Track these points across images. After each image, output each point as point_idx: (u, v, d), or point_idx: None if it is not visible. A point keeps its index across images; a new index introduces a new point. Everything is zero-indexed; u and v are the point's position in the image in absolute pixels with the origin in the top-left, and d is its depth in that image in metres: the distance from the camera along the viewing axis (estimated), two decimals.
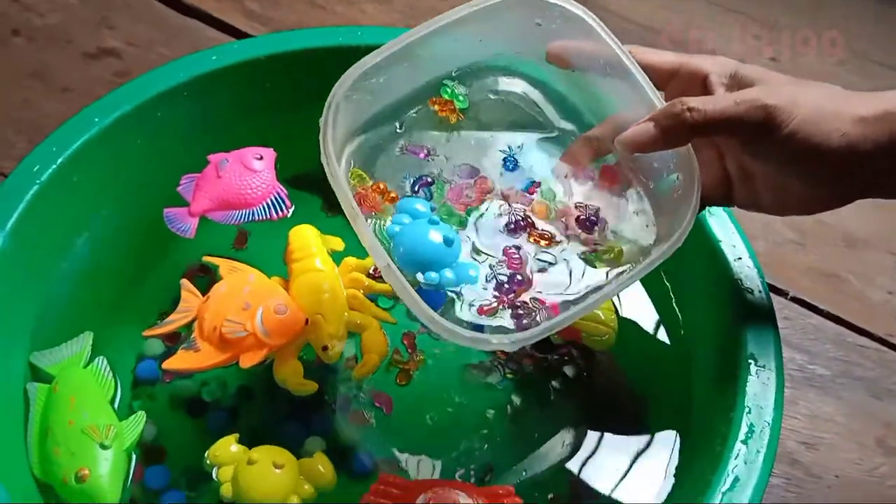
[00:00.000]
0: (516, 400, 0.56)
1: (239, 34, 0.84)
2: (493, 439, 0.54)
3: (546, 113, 0.51)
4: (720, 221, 0.53)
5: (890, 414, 0.63)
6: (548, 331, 0.42)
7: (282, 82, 0.61)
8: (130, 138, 0.56)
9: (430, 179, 0.49)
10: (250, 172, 0.55)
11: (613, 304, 0.57)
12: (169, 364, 0.48)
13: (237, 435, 0.48)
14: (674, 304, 0.57)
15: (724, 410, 0.46)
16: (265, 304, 0.48)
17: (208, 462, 0.47)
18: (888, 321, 0.69)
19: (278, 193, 0.54)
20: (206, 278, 0.61)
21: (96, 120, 0.54)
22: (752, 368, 0.47)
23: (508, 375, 0.56)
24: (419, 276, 0.43)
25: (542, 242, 0.47)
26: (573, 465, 0.53)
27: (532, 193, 0.49)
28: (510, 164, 0.49)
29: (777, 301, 0.68)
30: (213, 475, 0.47)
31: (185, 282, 0.52)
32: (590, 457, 0.54)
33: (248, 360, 0.47)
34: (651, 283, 0.58)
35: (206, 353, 0.47)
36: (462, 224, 0.48)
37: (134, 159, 0.57)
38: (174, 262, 0.60)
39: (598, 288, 0.45)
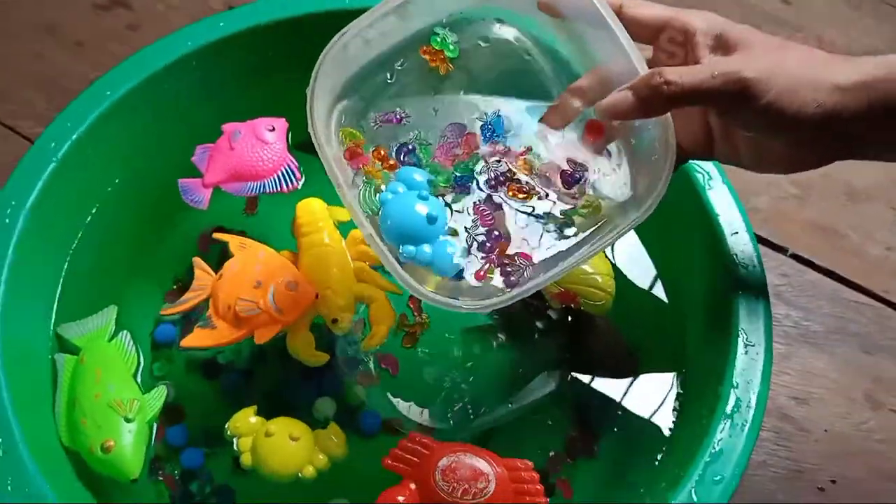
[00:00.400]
0: (517, 362, 0.59)
1: None
2: (495, 399, 0.57)
3: (538, 60, 0.51)
4: (720, 195, 0.54)
5: (880, 369, 0.65)
6: (515, 298, 0.44)
7: (289, 47, 0.61)
8: (141, 110, 0.57)
9: (411, 146, 0.50)
10: (262, 144, 0.56)
11: (612, 266, 0.59)
12: (187, 342, 0.50)
13: (255, 407, 0.51)
14: (671, 275, 0.58)
15: (713, 383, 0.48)
16: (276, 282, 0.50)
17: (228, 433, 0.50)
18: (885, 277, 0.70)
19: (289, 165, 0.56)
20: (219, 244, 0.63)
21: (108, 93, 0.55)
22: (742, 344, 0.49)
23: (502, 336, 0.59)
24: (399, 249, 0.45)
25: (521, 196, 0.48)
26: (570, 426, 0.57)
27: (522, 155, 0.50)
28: (488, 131, 0.50)
29: (775, 257, 0.71)
30: (234, 446, 0.50)
31: (197, 260, 0.54)
32: (585, 418, 0.57)
33: (262, 336, 0.50)
34: (652, 253, 0.60)
35: (221, 330, 0.50)
36: (449, 180, 0.49)
37: (146, 130, 0.59)
38: (189, 227, 0.62)
39: (576, 247, 0.47)
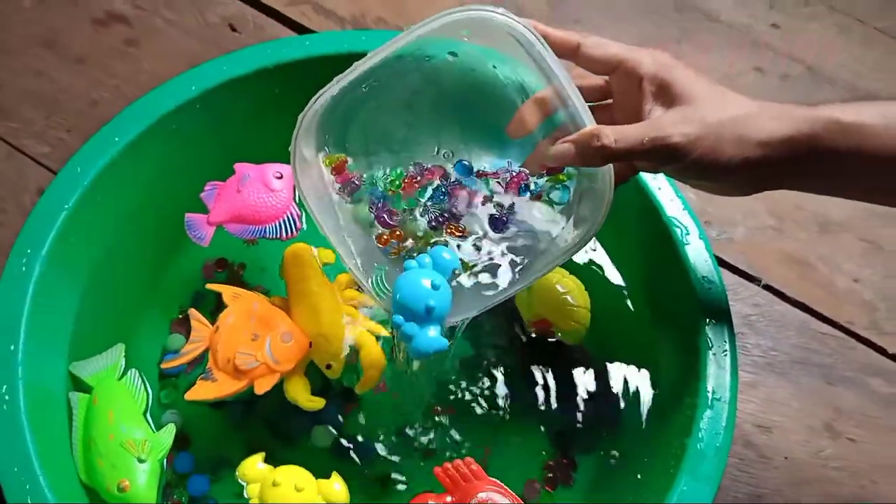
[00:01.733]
0: (500, 391, 0.63)
1: None
2: (475, 427, 0.62)
3: (504, 72, 0.53)
4: (696, 250, 0.58)
5: (841, 399, 0.70)
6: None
7: (293, 87, 0.63)
8: (150, 153, 0.60)
9: (387, 204, 0.53)
10: (268, 192, 0.59)
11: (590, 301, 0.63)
12: (191, 395, 0.54)
13: (263, 454, 0.55)
14: (649, 320, 0.62)
15: (680, 434, 0.53)
16: (272, 334, 0.54)
17: (238, 478, 0.54)
18: (851, 309, 0.74)
19: (291, 214, 0.58)
20: (223, 273, 0.66)
21: (116, 139, 0.57)
22: (709, 399, 0.53)
23: (495, 371, 0.63)
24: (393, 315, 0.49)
25: (457, 234, 0.53)
26: (550, 455, 0.61)
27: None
28: (439, 195, 0.53)
29: (749, 287, 0.74)
30: (244, 492, 0.53)
31: (193, 311, 0.57)
32: (565, 448, 0.61)
33: (261, 386, 0.53)
34: (635, 302, 0.64)
35: (223, 382, 0.53)
36: (411, 204, 0.53)
37: (154, 171, 0.61)
38: (193, 256, 0.65)
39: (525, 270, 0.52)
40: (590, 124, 0.47)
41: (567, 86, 0.48)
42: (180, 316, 0.64)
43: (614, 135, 0.46)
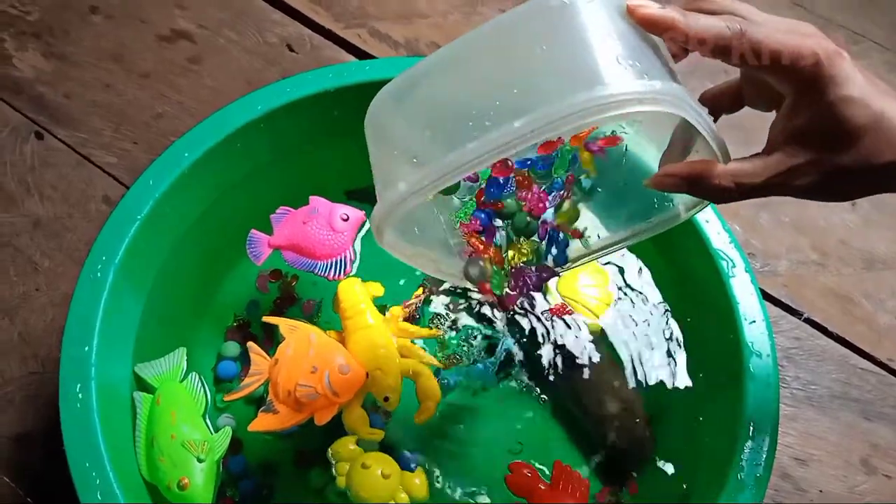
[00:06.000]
0: (542, 424, 0.65)
1: (299, 16, 0.88)
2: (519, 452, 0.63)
3: None
4: (741, 283, 0.59)
5: (878, 435, 0.70)
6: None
7: (348, 110, 0.66)
8: (214, 168, 0.62)
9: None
10: (331, 231, 0.60)
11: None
12: (254, 426, 0.55)
13: (356, 436, 0.56)
14: (692, 351, 0.64)
15: (720, 464, 0.54)
16: (331, 367, 0.55)
17: (329, 455, 0.55)
18: (892, 346, 0.74)
19: (344, 258, 0.60)
20: (277, 283, 0.69)
21: (186, 155, 0.60)
22: (749, 433, 0.54)
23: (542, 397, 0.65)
24: None
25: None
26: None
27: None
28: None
29: (790, 320, 0.75)
30: (332, 469, 0.55)
31: (251, 345, 0.59)
32: (600, 477, 0.62)
33: (322, 418, 0.54)
34: (683, 330, 0.65)
35: (284, 414, 0.55)
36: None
37: (216, 185, 0.64)
38: (248, 267, 0.68)
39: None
40: (715, 146, 0.42)
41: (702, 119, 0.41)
42: (235, 324, 0.67)
43: (735, 180, 0.42)
